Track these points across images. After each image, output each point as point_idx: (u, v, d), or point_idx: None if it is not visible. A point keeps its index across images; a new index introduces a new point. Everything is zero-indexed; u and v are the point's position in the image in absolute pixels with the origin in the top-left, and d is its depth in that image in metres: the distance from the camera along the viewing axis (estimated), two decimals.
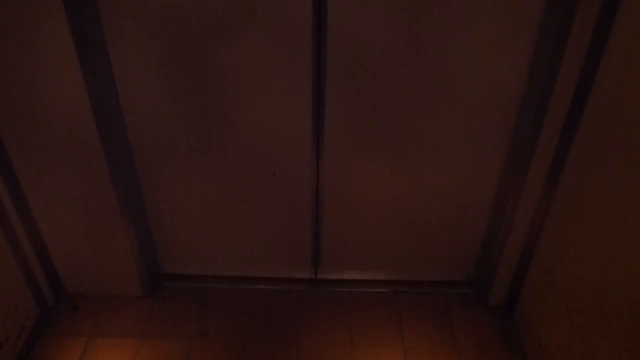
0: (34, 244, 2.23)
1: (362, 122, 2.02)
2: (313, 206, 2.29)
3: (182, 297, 2.49)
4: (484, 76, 1.87)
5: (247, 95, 1.96)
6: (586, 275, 1.78)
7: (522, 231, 2.15)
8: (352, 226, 2.35)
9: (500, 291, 2.38)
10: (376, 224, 2.34)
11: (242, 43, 1.83)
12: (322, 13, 1.76)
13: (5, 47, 1.73)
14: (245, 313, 2.42)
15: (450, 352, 2.25)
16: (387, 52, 1.83)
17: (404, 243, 2.41)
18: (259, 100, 1.97)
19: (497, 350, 2.26)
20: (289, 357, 2.24)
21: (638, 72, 1.51)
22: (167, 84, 1.93)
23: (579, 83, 1.75)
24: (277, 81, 1.92)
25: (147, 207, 2.31)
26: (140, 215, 2.29)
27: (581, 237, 1.81)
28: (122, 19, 1.78)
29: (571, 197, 1.89)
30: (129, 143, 2.08)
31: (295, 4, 1.74)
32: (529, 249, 2.19)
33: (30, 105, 1.87)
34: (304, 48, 1.83)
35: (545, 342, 2.06)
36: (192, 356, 2.24)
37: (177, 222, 2.37)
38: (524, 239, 2.18)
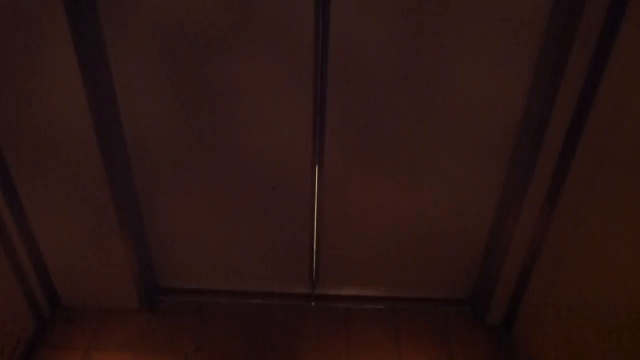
0: (31, 256, 2.23)
1: (362, 138, 2.02)
2: (312, 221, 2.29)
3: (179, 311, 2.48)
4: (484, 93, 1.88)
5: (247, 109, 1.96)
6: (585, 294, 1.77)
7: (520, 250, 2.15)
8: (351, 242, 2.35)
9: (498, 310, 2.37)
10: (375, 241, 2.34)
11: (242, 56, 1.84)
12: (324, 28, 1.77)
13: (7, 63, 1.74)
14: (243, 328, 2.41)
15: None
16: (389, 68, 1.84)
17: (403, 260, 2.40)
18: (259, 115, 1.97)
19: None
20: None
21: (638, 93, 1.52)
22: (167, 99, 1.94)
23: (578, 103, 1.76)
24: (277, 95, 1.93)
25: (145, 220, 2.30)
26: (138, 229, 2.28)
27: (580, 257, 1.81)
28: (123, 33, 1.79)
29: (570, 216, 1.89)
30: (128, 156, 2.09)
31: (297, 19, 1.75)
32: (527, 268, 2.18)
33: (30, 116, 1.87)
34: (305, 63, 1.84)
35: None
36: None
37: (175, 236, 2.37)
38: (522, 258, 2.17)
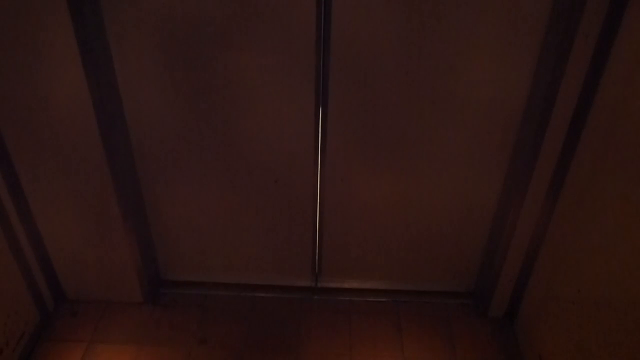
0: (35, 250, 2.24)
1: (365, 131, 2.02)
2: (314, 214, 2.29)
3: (182, 304, 2.49)
4: (486, 87, 1.88)
5: (249, 103, 1.96)
6: (586, 288, 1.77)
7: (523, 243, 2.15)
8: (353, 235, 2.36)
9: (501, 303, 2.37)
10: (377, 234, 2.34)
11: (245, 50, 1.84)
12: (326, 21, 1.77)
13: (10, 55, 1.74)
14: (245, 321, 2.42)
15: None
16: (391, 61, 1.84)
17: (405, 253, 2.40)
18: (261, 108, 1.97)
19: None
20: None
21: None
22: (169, 92, 1.94)
23: (581, 95, 1.76)
24: (279, 89, 1.93)
25: (148, 214, 2.31)
26: (141, 222, 2.29)
27: (582, 250, 1.81)
28: (126, 26, 1.79)
29: (572, 209, 1.89)
30: (131, 150, 2.09)
31: (300, 12, 1.75)
32: (529, 261, 2.18)
33: (34, 112, 1.88)
34: (307, 56, 1.84)
35: (545, 354, 2.06)
36: None
37: (178, 229, 2.37)
38: (524, 251, 2.18)
